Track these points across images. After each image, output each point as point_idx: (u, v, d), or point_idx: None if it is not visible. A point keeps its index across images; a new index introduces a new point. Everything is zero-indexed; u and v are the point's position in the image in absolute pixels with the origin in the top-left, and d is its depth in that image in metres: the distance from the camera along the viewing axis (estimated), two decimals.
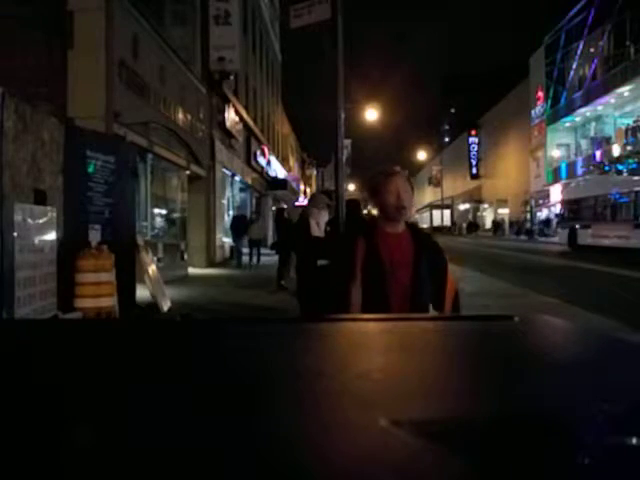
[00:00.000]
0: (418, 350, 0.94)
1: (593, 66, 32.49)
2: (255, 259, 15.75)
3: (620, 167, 27.33)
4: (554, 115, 37.61)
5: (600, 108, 32.73)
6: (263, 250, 16.45)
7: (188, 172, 14.44)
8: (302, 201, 34.02)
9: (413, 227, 2.34)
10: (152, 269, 8.21)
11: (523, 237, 37.94)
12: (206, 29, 15.66)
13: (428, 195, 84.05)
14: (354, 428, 0.55)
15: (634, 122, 28.71)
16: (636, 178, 21.14)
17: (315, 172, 61.03)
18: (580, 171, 32.70)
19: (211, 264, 15.33)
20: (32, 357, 0.87)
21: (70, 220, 6.81)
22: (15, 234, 5.51)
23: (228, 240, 17.42)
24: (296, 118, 44.31)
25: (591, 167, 31.23)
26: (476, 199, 61.31)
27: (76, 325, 1.63)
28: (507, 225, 45.79)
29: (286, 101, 38.68)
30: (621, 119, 31.63)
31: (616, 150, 29.32)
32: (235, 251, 16.15)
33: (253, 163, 23.58)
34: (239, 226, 15.93)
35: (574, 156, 36.53)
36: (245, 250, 16.19)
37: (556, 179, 36.33)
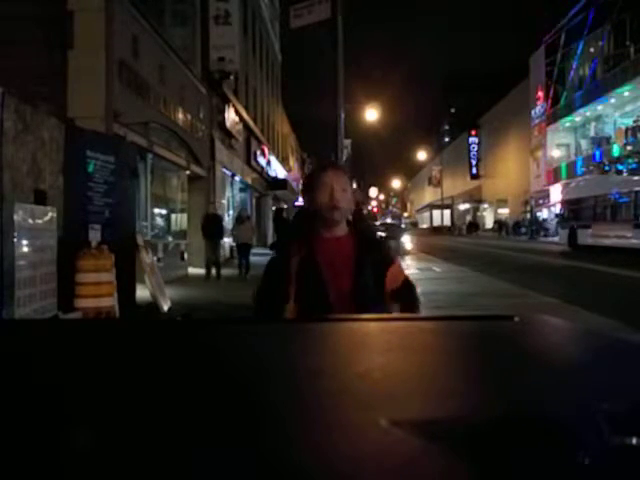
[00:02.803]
0: (418, 350, 0.94)
1: (593, 66, 32.53)
2: (244, 262, 12.64)
3: (620, 167, 27.33)
4: (554, 115, 37.62)
5: (600, 108, 32.75)
6: (261, 250, 16.17)
7: (188, 172, 14.44)
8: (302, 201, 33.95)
9: (358, 229, 2.06)
10: (152, 269, 8.22)
11: (524, 237, 37.90)
12: (206, 29, 15.67)
13: (428, 195, 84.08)
14: (354, 428, 0.55)
15: (634, 122, 28.72)
16: (636, 178, 21.13)
17: None
18: (580, 171, 32.72)
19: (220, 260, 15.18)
20: (32, 357, 0.87)
21: (70, 220, 6.81)
22: (15, 234, 5.51)
23: (228, 240, 16.54)
24: (296, 118, 44.31)
25: (591, 167, 31.25)
26: (476, 199, 61.35)
27: (76, 325, 1.63)
28: (510, 225, 45.09)
29: (286, 101, 38.72)
30: (621, 119, 31.65)
31: (616, 150, 29.33)
32: (206, 259, 12.79)
33: (253, 163, 23.59)
34: (212, 228, 12.52)
35: (574, 156, 36.54)
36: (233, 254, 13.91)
37: (556, 179, 36.34)
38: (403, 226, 36.40)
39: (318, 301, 1.90)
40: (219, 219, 13.32)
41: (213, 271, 12.41)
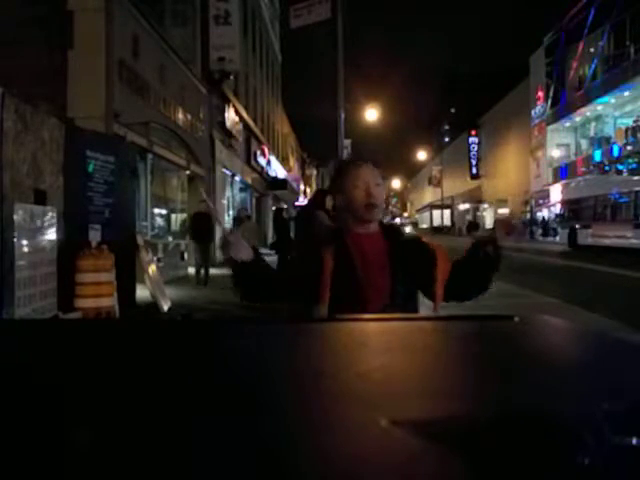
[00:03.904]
0: (418, 350, 0.94)
1: (593, 66, 32.50)
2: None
3: (620, 167, 27.34)
4: (554, 115, 37.61)
5: (600, 108, 32.74)
6: (261, 250, 15.89)
7: (188, 172, 14.45)
8: (302, 201, 34.04)
9: (385, 225, 2.01)
10: (152, 269, 8.21)
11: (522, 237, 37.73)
12: (206, 29, 15.67)
13: (428, 195, 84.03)
14: (354, 428, 0.55)
15: (634, 122, 28.71)
16: (636, 178, 21.13)
17: (315, 172, 61.05)
18: (580, 171, 32.72)
19: (211, 264, 15.29)
20: (32, 357, 0.87)
21: (70, 220, 6.81)
22: (15, 234, 5.51)
23: None
24: (296, 118, 44.33)
25: (591, 167, 31.25)
26: (476, 199, 61.31)
27: (76, 325, 1.63)
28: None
29: (286, 101, 38.74)
30: (621, 119, 31.64)
31: (616, 150, 29.33)
32: (195, 263, 11.28)
33: (253, 163, 23.60)
34: (202, 228, 10.86)
35: (574, 156, 36.53)
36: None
37: (556, 179, 36.33)
38: (407, 229, 36.29)
39: (354, 299, 1.82)
40: (208, 218, 11.37)
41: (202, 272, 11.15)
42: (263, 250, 8.59)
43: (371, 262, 1.86)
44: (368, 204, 1.86)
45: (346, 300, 1.82)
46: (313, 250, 1.93)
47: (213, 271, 13.17)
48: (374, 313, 1.77)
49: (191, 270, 13.51)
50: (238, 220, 12.13)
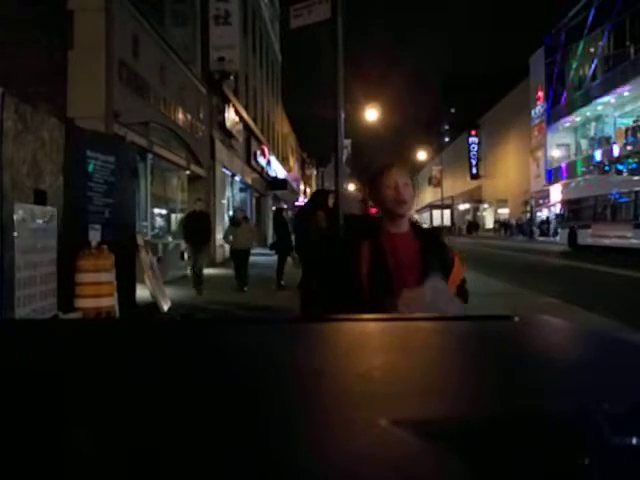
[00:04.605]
0: (418, 350, 0.94)
1: (593, 66, 32.51)
2: (242, 272, 10.36)
3: (620, 167, 27.34)
4: (554, 115, 37.62)
5: (600, 108, 32.75)
6: (261, 250, 15.79)
7: (188, 172, 14.45)
8: (302, 201, 34.06)
9: (416, 225, 2.21)
10: (152, 269, 8.21)
11: (522, 237, 37.79)
12: (206, 29, 15.69)
13: (428, 195, 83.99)
14: (354, 428, 0.55)
15: (634, 122, 28.72)
16: (636, 178, 21.14)
17: (315, 172, 61.13)
18: (580, 171, 32.73)
19: (211, 264, 15.30)
20: (32, 357, 0.87)
21: (70, 220, 6.80)
22: (15, 234, 5.51)
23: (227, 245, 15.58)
24: (296, 118, 44.38)
25: (591, 167, 31.26)
26: (476, 199, 61.30)
27: (76, 325, 1.63)
28: (514, 225, 44.00)
29: (286, 101, 38.77)
30: (621, 119, 31.65)
31: (616, 150, 29.33)
32: (192, 269, 10.36)
33: (253, 163, 23.61)
34: (197, 229, 9.88)
35: (574, 156, 36.53)
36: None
37: (556, 179, 36.33)
38: None
39: (383, 295, 1.94)
40: (207, 219, 10.65)
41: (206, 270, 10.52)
42: (263, 250, 8.62)
43: (403, 261, 2.04)
44: (398, 200, 2.06)
45: (379, 296, 1.96)
46: (350, 247, 2.12)
47: (213, 271, 13.17)
48: None
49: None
50: (234, 221, 11.01)
